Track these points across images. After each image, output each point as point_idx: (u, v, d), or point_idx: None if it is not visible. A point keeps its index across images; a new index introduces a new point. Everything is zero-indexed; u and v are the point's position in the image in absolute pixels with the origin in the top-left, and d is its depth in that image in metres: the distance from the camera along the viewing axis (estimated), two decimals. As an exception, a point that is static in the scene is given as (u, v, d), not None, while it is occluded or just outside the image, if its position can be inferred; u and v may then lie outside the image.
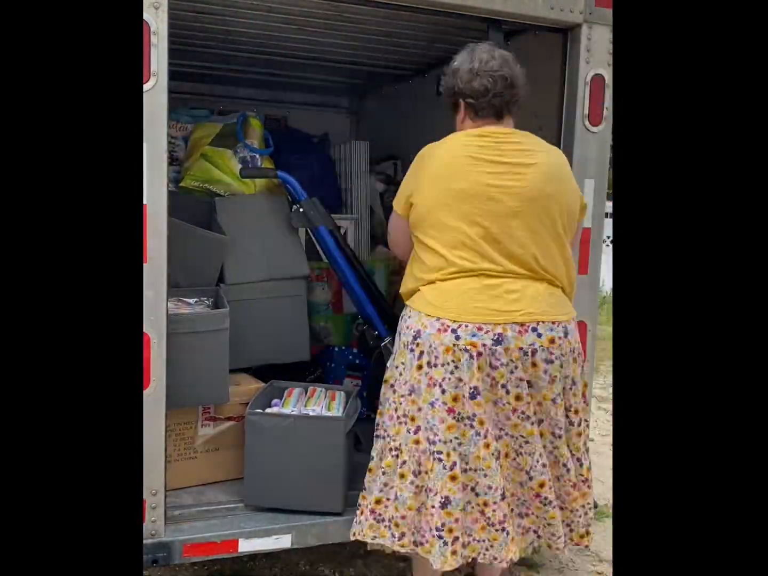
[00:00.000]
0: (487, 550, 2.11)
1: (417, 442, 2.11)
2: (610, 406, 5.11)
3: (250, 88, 4.31)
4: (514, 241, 2.09)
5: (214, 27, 3.03)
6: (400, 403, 2.14)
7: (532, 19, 2.55)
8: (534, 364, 2.07)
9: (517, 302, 2.07)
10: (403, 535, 2.12)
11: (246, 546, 2.23)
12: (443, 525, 2.07)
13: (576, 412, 2.21)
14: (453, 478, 2.06)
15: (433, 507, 2.08)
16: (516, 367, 2.05)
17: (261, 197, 3.15)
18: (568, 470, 2.20)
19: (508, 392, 2.06)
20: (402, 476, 2.12)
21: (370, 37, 3.14)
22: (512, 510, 2.16)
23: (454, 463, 2.06)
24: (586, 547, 2.36)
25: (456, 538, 2.08)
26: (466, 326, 2.04)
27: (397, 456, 2.15)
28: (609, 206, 2.70)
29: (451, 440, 2.05)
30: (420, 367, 2.08)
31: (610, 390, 5.14)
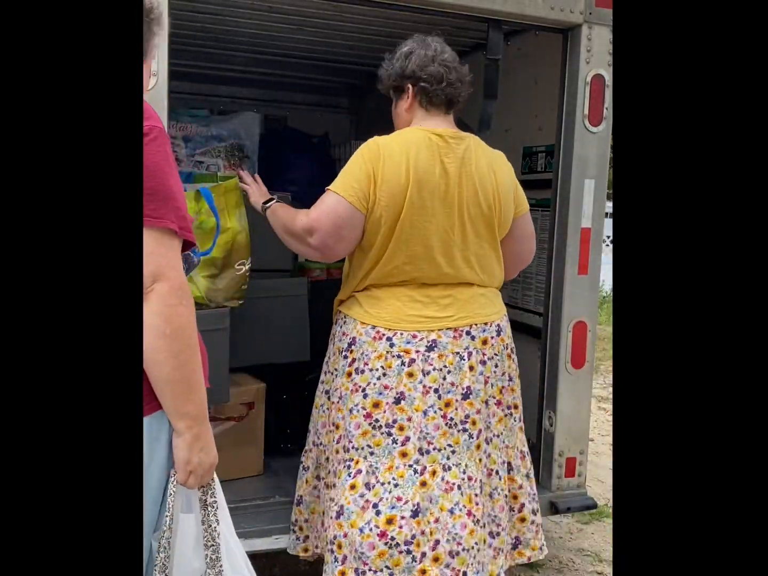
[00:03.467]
0: None
1: (337, 452, 2.06)
2: (610, 406, 5.11)
3: (250, 88, 4.31)
4: (451, 247, 2.05)
5: (214, 27, 3.03)
6: (332, 411, 2.11)
7: (532, 19, 2.55)
8: (471, 368, 2.04)
9: (450, 307, 2.06)
10: (345, 558, 1.96)
11: (246, 546, 2.23)
12: (335, 538, 1.97)
13: (516, 407, 2.19)
14: (352, 486, 1.98)
15: (331, 518, 1.99)
16: (449, 372, 2.02)
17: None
18: (500, 478, 2.12)
19: (440, 397, 2.01)
20: (326, 486, 2.10)
21: (370, 37, 3.14)
22: (428, 533, 1.96)
23: (359, 471, 1.98)
24: (528, 559, 2.22)
25: (345, 558, 1.95)
26: (402, 334, 2.01)
27: (324, 467, 2.13)
28: (609, 206, 2.71)
29: (363, 447, 1.99)
30: (349, 374, 2.05)
31: (610, 390, 5.14)
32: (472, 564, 1.99)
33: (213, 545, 1.42)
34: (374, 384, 2.00)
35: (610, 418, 4.54)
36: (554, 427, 2.74)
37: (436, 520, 1.96)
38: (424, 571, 1.93)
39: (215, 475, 1.47)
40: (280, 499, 2.54)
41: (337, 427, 2.07)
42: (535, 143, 3.16)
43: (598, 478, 3.84)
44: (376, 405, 2.00)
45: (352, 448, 2.00)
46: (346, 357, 2.07)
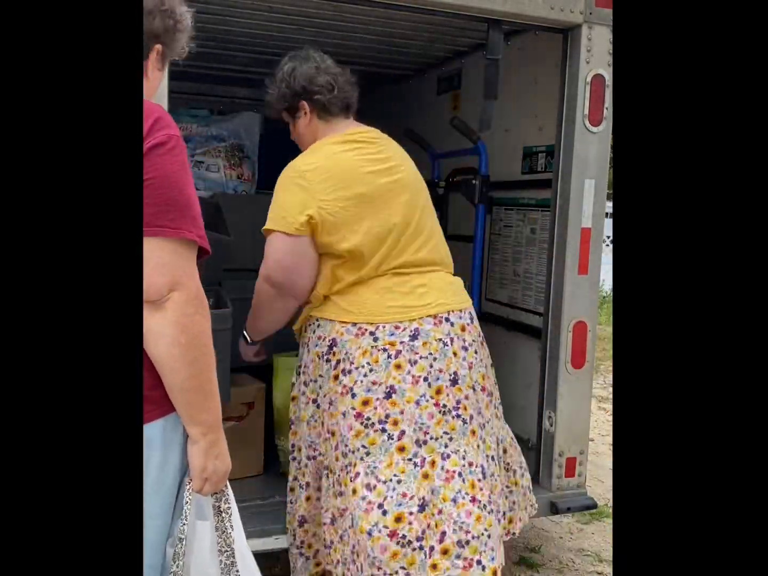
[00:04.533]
0: None
1: (337, 459, 2.01)
2: (610, 406, 5.11)
3: (250, 88, 4.31)
4: (414, 234, 2.07)
5: (214, 27, 3.03)
6: (324, 418, 2.06)
7: (532, 19, 2.55)
8: (455, 353, 2.02)
9: (427, 295, 2.05)
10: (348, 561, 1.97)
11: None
12: (331, 542, 1.97)
13: (492, 394, 2.18)
14: (354, 491, 1.92)
15: (325, 524, 1.98)
16: (435, 359, 1.99)
17: (262, 198, 3.18)
18: (496, 464, 2.11)
19: (429, 385, 1.97)
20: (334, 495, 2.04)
21: (370, 37, 3.14)
22: (433, 526, 1.92)
23: (357, 474, 1.93)
24: (513, 534, 2.25)
25: (361, 566, 1.90)
26: (384, 327, 1.99)
27: (328, 476, 2.06)
28: (609, 206, 2.71)
29: (358, 449, 1.94)
30: (336, 377, 2.00)
31: (610, 390, 5.14)
32: (484, 552, 1.92)
33: (227, 551, 1.43)
34: (361, 381, 1.96)
35: (610, 418, 4.54)
36: (554, 427, 2.74)
37: (440, 512, 1.91)
38: (434, 566, 1.88)
39: (228, 482, 1.47)
40: (280, 499, 2.54)
41: (333, 434, 2.02)
42: (535, 143, 3.16)
43: (598, 478, 3.84)
44: (365, 403, 1.95)
45: (349, 452, 1.96)
46: (328, 360, 2.02)
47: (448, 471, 1.95)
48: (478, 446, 2.03)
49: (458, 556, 1.89)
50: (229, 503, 1.46)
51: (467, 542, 1.91)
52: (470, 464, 1.98)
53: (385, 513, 1.88)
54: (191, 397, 1.35)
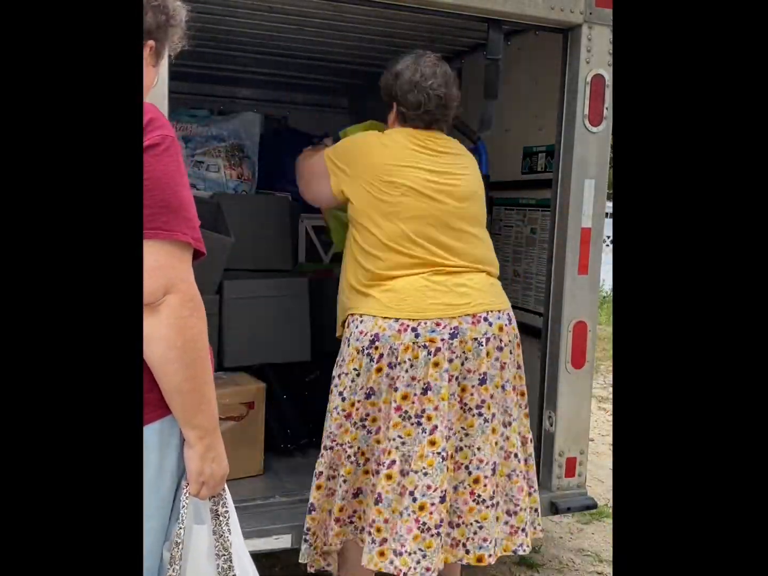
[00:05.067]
0: (418, 562, 2.06)
1: (378, 441, 2.13)
2: (610, 406, 5.11)
3: (250, 88, 4.31)
4: (455, 236, 2.17)
5: (214, 27, 3.03)
6: (357, 409, 2.13)
7: (532, 19, 2.55)
8: (488, 353, 2.11)
9: (467, 295, 2.14)
10: (384, 540, 2.09)
11: (246, 546, 2.23)
12: (373, 522, 2.08)
13: (523, 394, 2.27)
14: (388, 477, 2.08)
15: (368, 505, 2.10)
16: (467, 359, 2.09)
17: (262, 198, 3.19)
18: (519, 461, 2.21)
19: (458, 384, 2.10)
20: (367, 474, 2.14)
21: (370, 37, 3.14)
22: (448, 514, 2.12)
23: (393, 462, 2.07)
24: (529, 547, 2.28)
25: (384, 540, 2.08)
26: (425, 323, 2.07)
27: (357, 461, 2.16)
28: (609, 206, 2.71)
29: (394, 438, 2.07)
30: (379, 369, 2.09)
31: (610, 390, 5.14)
32: (471, 539, 2.12)
33: (225, 555, 1.42)
34: (403, 377, 2.06)
35: (610, 418, 4.54)
36: (554, 427, 2.74)
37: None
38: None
39: (225, 485, 1.47)
40: (280, 499, 2.54)
41: (374, 421, 2.13)
42: (535, 143, 3.16)
43: (598, 478, 3.84)
44: (404, 397, 2.07)
45: (387, 439, 2.08)
46: (369, 355, 2.10)
47: (456, 462, 2.12)
48: (496, 443, 2.15)
49: (448, 535, 2.12)
50: (226, 507, 1.45)
51: (458, 525, 2.13)
52: (480, 461, 2.12)
53: (414, 500, 2.06)
54: (187, 401, 1.34)
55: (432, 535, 2.06)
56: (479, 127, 2.74)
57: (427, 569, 2.06)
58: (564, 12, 2.53)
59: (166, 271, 1.29)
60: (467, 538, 2.14)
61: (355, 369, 2.13)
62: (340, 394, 2.17)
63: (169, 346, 1.29)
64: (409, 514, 2.06)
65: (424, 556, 2.06)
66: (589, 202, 2.67)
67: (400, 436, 2.08)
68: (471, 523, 2.13)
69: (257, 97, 4.36)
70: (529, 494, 2.28)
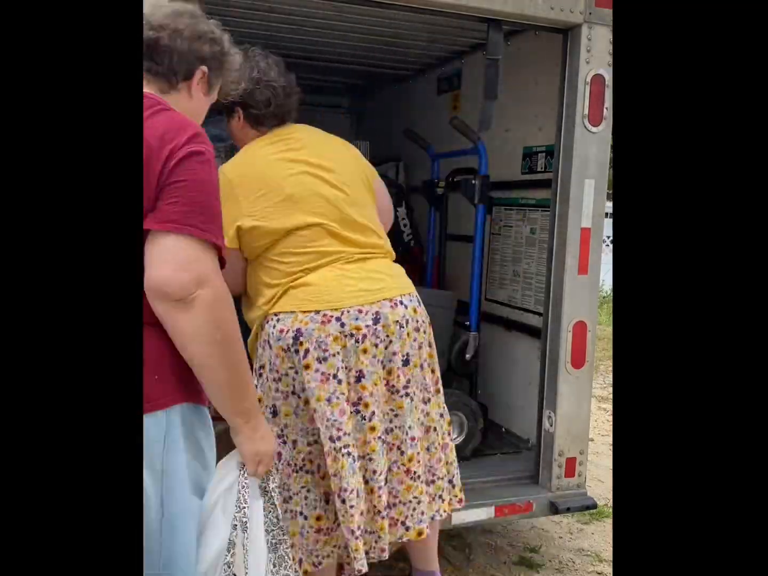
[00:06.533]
0: (375, 542, 2.08)
1: (322, 445, 2.04)
2: (610, 406, 5.11)
3: (250, 88, 4.30)
4: (352, 224, 2.13)
5: (214, 27, 3.03)
6: (304, 407, 2.05)
7: (532, 19, 2.55)
8: (408, 335, 2.10)
9: (381, 280, 2.12)
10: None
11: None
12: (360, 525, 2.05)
13: (434, 371, 2.26)
14: (342, 466, 2.03)
15: (351, 507, 2.02)
16: (391, 342, 2.06)
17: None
18: (437, 434, 2.23)
19: (383, 367, 2.07)
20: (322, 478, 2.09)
21: (370, 37, 3.14)
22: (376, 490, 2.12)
23: (358, 455, 2.05)
24: (460, 501, 2.33)
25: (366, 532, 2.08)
26: (348, 311, 2.02)
27: (310, 470, 2.09)
28: (609, 206, 2.71)
29: (350, 432, 2.03)
30: (308, 366, 2.00)
31: (610, 390, 5.15)
32: (411, 516, 2.14)
33: (273, 530, 1.52)
34: (341, 368, 2.02)
35: (610, 418, 4.55)
36: (554, 427, 2.74)
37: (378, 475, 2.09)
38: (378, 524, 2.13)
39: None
40: (280, 499, 2.54)
41: (311, 421, 2.04)
42: (535, 143, 3.16)
43: (598, 478, 3.84)
44: (348, 388, 2.04)
45: (344, 434, 2.01)
46: (297, 351, 2.01)
47: (388, 443, 2.12)
48: (418, 419, 2.16)
49: (387, 515, 2.11)
50: (276, 482, 1.57)
51: (395, 505, 2.14)
52: (412, 439, 2.12)
53: (367, 483, 2.06)
54: (233, 391, 1.42)
55: (383, 518, 2.07)
56: (479, 127, 2.74)
57: (382, 550, 2.09)
58: (564, 12, 2.53)
59: (199, 265, 1.33)
60: (406, 516, 2.15)
61: (290, 367, 2.03)
62: (293, 393, 2.05)
63: (209, 342, 1.34)
64: (365, 498, 2.06)
65: (379, 538, 2.08)
66: (589, 202, 2.67)
67: (352, 428, 2.03)
68: (410, 501, 2.14)
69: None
70: (446, 464, 2.29)
